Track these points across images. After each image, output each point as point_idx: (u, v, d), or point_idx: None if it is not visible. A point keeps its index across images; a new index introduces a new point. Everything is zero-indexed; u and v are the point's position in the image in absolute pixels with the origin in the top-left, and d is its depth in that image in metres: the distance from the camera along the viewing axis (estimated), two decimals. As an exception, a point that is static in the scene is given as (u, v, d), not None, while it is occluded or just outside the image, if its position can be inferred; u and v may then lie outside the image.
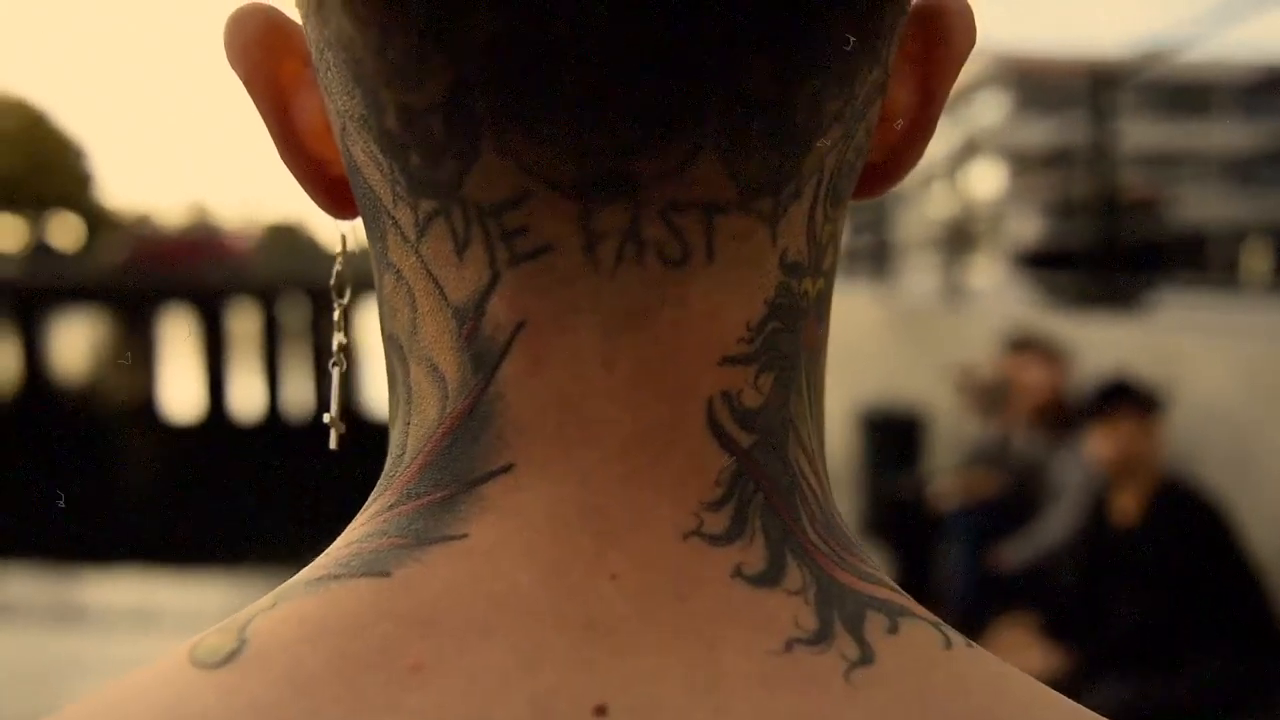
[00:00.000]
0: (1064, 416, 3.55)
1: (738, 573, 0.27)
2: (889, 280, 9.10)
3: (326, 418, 0.37)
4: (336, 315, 0.37)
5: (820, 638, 0.27)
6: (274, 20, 0.31)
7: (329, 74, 0.29)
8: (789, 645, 0.27)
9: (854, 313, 8.16)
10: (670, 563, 0.27)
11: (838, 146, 0.29)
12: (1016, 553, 3.57)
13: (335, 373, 0.37)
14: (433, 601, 0.27)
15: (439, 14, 0.25)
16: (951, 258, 7.45)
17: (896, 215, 10.02)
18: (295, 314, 23.73)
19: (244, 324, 23.38)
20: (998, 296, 7.11)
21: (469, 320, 0.28)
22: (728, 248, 0.28)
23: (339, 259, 0.36)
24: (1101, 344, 4.02)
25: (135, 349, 23.33)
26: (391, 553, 0.28)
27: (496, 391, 0.28)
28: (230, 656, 0.27)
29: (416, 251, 0.29)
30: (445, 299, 0.29)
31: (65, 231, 35.86)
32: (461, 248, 0.28)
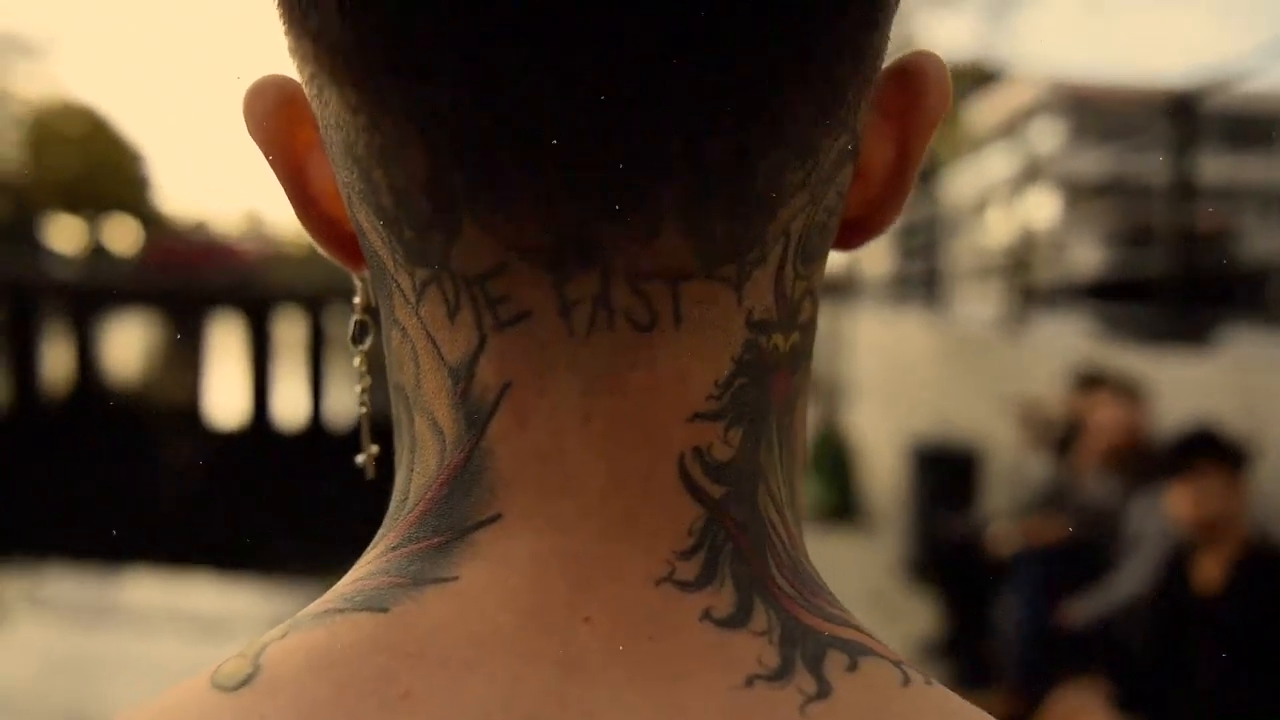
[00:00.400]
0: (1142, 461, 3.30)
1: (706, 616, 0.29)
2: (942, 307, 8.86)
3: (360, 458, 0.40)
4: (357, 362, 0.39)
5: (780, 674, 0.28)
6: (288, 91, 0.32)
7: (333, 150, 0.31)
8: (750, 681, 0.28)
9: (905, 340, 7.93)
10: (642, 607, 0.29)
11: (804, 211, 0.30)
12: (1085, 609, 3.31)
13: (363, 414, 0.40)
14: (423, 637, 0.29)
15: (414, 103, 0.27)
16: (1010, 286, 7.20)
17: (950, 241, 9.79)
18: (342, 323, 23.81)
19: (292, 331, 23.57)
20: (1058, 327, 6.84)
21: (462, 380, 0.31)
22: (694, 312, 0.29)
23: (356, 308, 0.38)
24: (1176, 382, 3.78)
25: (185, 353, 23.61)
26: (390, 591, 0.30)
27: (486, 447, 0.30)
28: (246, 681, 0.29)
29: (417, 314, 0.31)
30: (442, 359, 0.31)
31: (122, 235, 36.44)
32: (453, 313, 0.30)
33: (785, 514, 0.32)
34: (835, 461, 7.43)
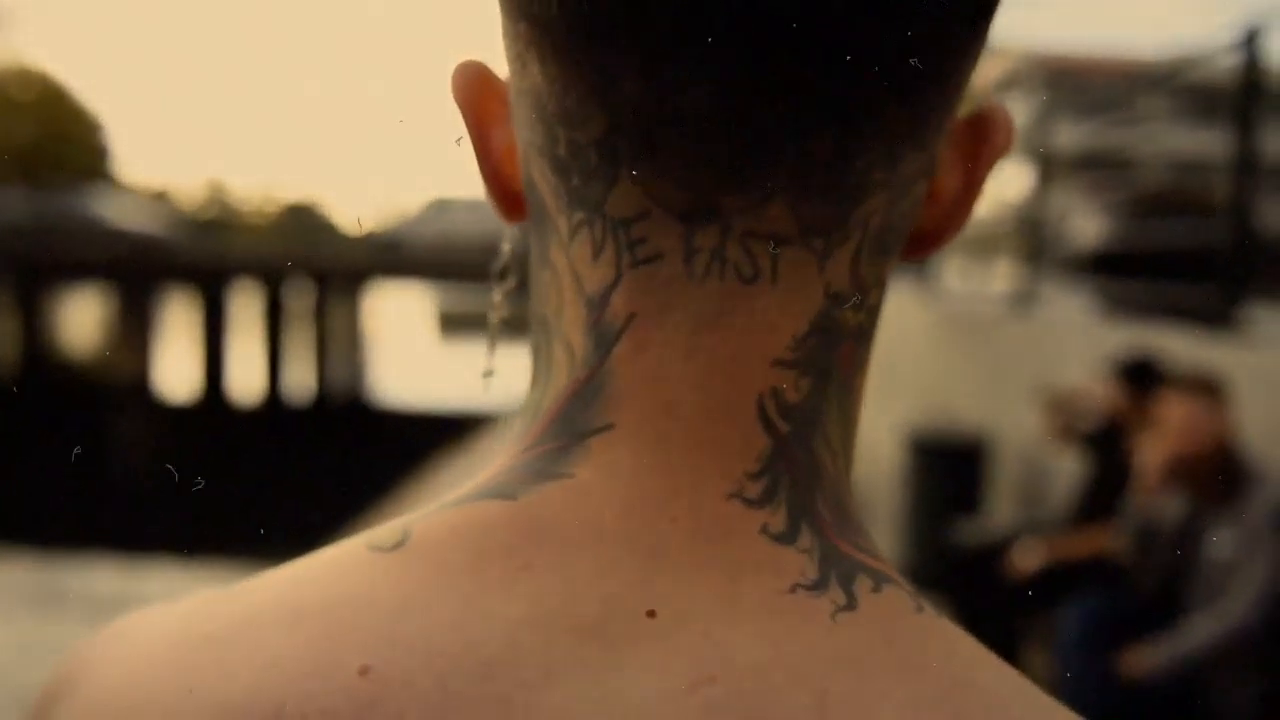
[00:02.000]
0: (1226, 475, 2.64)
1: (764, 530, 0.35)
2: (932, 281, 8.21)
3: (487, 370, 0.47)
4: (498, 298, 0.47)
5: (818, 586, 0.34)
6: (482, 71, 0.41)
7: (520, 112, 0.38)
8: (793, 589, 0.34)
9: (895, 317, 7.26)
10: (715, 515, 0.35)
11: (882, 209, 0.36)
12: (1156, 656, 2.64)
13: (495, 322, 0.47)
14: (542, 521, 0.35)
15: (602, 79, 0.34)
16: (1016, 259, 6.55)
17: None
18: (300, 296, 23.11)
19: (247, 305, 22.78)
20: (1066, 303, 6.20)
21: (596, 309, 0.37)
22: (787, 273, 0.35)
23: (505, 255, 0.46)
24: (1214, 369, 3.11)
25: (136, 327, 22.77)
26: (520, 483, 0.36)
27: (609, 368, 0.36)
28: (397, 545, 0.35)
29: (567, 253, 0.37)
30: (582, 290, 0.37)
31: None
32: (597, 252, 0.36)
33: (837, 459, 0.38)
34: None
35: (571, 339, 0.37)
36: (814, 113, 0.33)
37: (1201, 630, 2.57)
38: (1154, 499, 2.90)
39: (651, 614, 0.33)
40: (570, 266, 0.37)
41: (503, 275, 0.46)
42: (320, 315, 22.87)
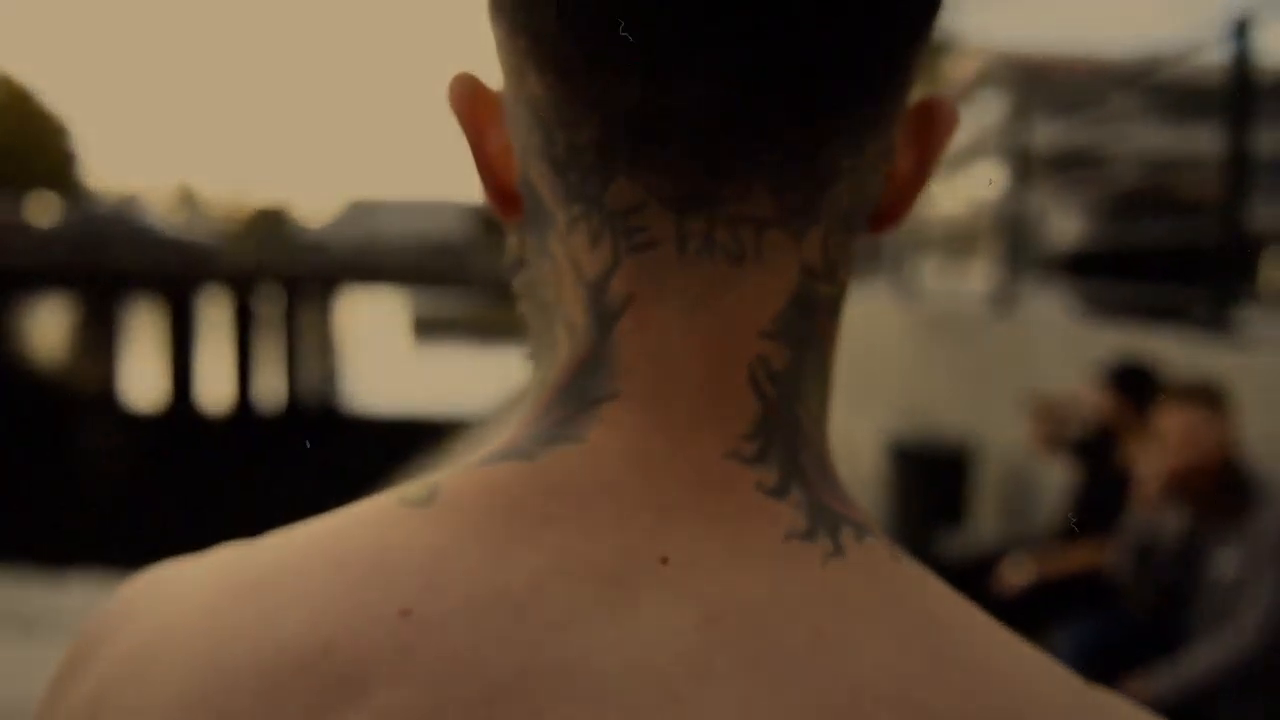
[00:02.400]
0: (1229, 490, 2.49)
1: (758, 486, 0.38)
2: (908, 282, 8.08)
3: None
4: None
5: (808, 535, 0.37)
6: (475, 83, 0.44)
7: (518, 118, 0.41)
8: (787, 537, 0.37)
9: (872, 320, 7.11)
10: (715, 472, 0.38)
11: (849, 192, 0.40)
12: (1161, 682, 2.48)
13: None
14: (561, 479, 0.38)
15: (599, 87, 0.37)
16: (998, 259, 6.42)
17: (920, 209, 9.02)
18: (270, 303, 22.77)
19: (215, 313, 22.43)
20: (1048, 304, 6.08)
21: (595, 291, 0.40)
22: (769, 253, 0.38)
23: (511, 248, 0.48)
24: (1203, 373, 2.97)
25: (102, 335, 22.37)
26: (537, 446, 0.39)
27: (611, 343, 0.39)
28: (428, 501, 0.38)
29: (565, 242, 0.40)
30: (581, 276, 0.40)
31: (46, 212, 34.64)
32: (595, 241, 0.39)
33: (817, 422, 0.41)
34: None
35: (573, 319, 0.40)
36: (792, 110, 0.37)
37: (1206, 657, 2.41)
38: (1152, 514, 2.74)
39: (664, 561, 0.36)
40: (569, 255, 0.40)
41: (522, 265, 0.50)
42: (290, 321, 22.54)
